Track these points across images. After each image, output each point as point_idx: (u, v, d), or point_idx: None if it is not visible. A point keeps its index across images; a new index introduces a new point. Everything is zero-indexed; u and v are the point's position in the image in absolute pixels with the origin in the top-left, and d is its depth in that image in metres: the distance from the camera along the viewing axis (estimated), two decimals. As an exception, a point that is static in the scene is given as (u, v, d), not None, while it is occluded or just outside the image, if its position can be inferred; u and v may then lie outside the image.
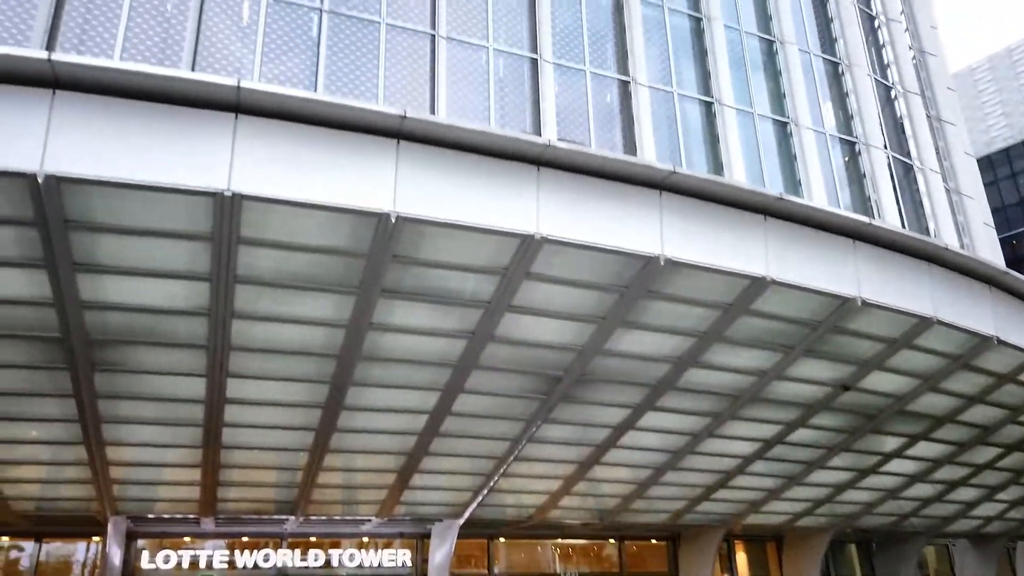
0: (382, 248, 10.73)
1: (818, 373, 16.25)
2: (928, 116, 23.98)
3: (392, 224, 10.30)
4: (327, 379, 13.89)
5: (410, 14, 18.01)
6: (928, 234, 21.61)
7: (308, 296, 11.86)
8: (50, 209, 9.31)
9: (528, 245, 11.06)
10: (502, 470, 18.30)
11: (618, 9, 19.88)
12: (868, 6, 23.74)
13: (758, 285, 12.60)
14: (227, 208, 9.75)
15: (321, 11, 17.03)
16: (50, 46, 13.37)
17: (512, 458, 17.77)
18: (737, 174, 18.86)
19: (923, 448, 20.54)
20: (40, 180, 8.83)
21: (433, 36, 18.07)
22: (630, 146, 18.96)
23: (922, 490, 23.68)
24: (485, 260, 11.52)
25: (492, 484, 19.14)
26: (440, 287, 12.06)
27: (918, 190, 22.56)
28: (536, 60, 18.88)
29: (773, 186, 19.46)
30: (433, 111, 17.41)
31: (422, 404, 15.29)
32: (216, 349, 12.53)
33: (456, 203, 10.71)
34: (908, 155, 22.95)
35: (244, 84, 9.61)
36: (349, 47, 17.34)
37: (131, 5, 14.93)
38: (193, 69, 14.73)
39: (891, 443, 20.08)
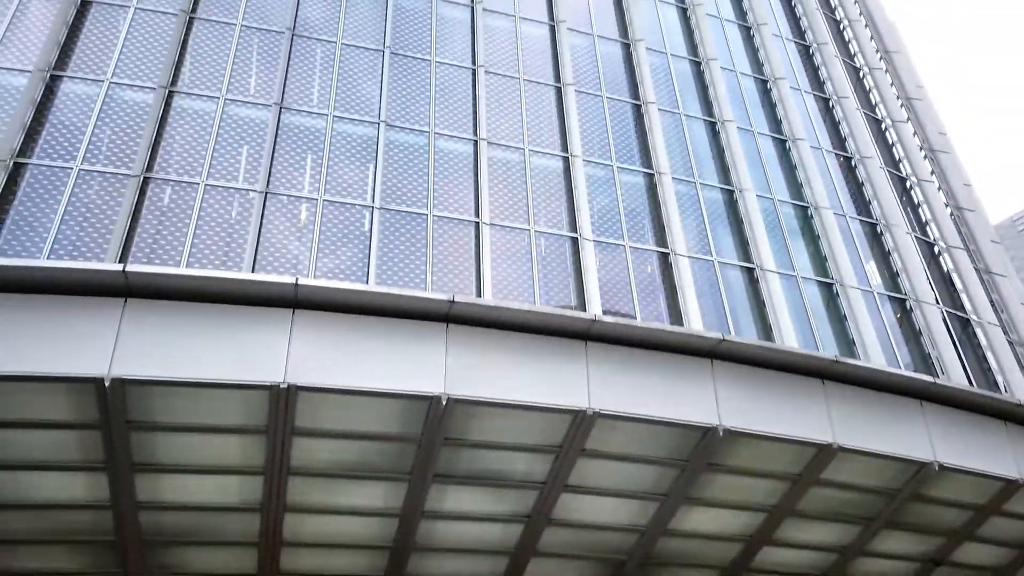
0: (434, 431, 10.68)
1: (904, 547, 15.04)
2: (976, 269, 23.82)
3: (443, 406, 10.31)
4: (380, 573, 13.34)
5: (455, 205, 19.17)
6: (998, 389, 20.75)
7: (361, 485, 11.70)
8: (114, 411, 9.60)
9: (581, 421, 10.89)
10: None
11: (651, 188, 20.91)
12: (897, 169, 24.49)
13: (825, 453, 12.04)
14: (282, 400, 9.94)
15: (372, 208, 18.28)
16: (123, 258, 14.47)
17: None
18: (788, 338, 18.70)
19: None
20: (107, 384, 9.20)
21: (477, 223, 19.08)
22: (676, 315, 19.09)
23: None
24: (538, 438, 11.33)
25: None
26: (493, 469, 11.81)
27: (979, 344, 21.93)
28: (576, 238, 19.66)
29: (827, 348, 19.17)
30: (479, 292, 17.98)
31: (480, 597, 14.48)
32: (267, 545, 12.25)
33: (506, 382, 10.74)
34: (963, 309, 22.57)
35: (301, 281, 10.15)
36: (398, 238, 18.37)
37: (199, 215, 16.23)
38: (253, 269, 15.67)
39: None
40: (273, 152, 16.32)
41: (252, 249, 15.23)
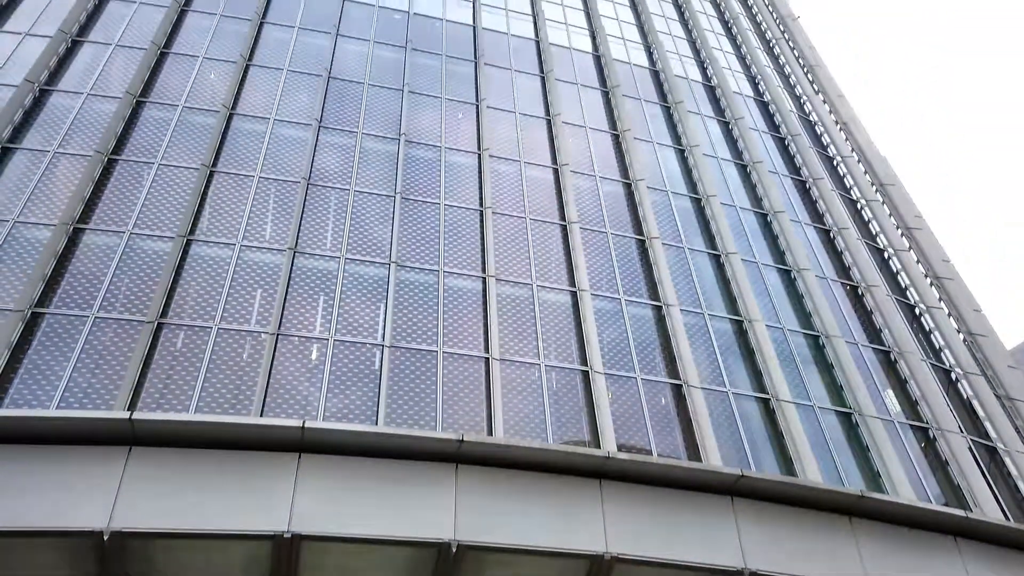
0: (444, 581, 10.18)
1: None
2: (997, 396, 23.38)
3: (452, 553, 9.88)
4: None
5: (465, 341, 19.25)
6: (1036, 521, 19.71)
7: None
8: (113, 564, 9.25)
9: (599, 566, 10.37)
10: None
11: (660, 320, 21.03)
12: (905, 296, 24.62)
13: (860, 596, 11.33)
14: (286, 549, 9.57)
15: (383, 347, 18.39)
16: (132, 404, 14.46)
17: None
18: (810, 471, 18.09)
19: None
20: (106, 537, 8.91)
21: (487, 359, 19.09)
22: (692, 448, 18.61)
23: None
24: (554, 587, 10.74)
25: None
26: (508, 621, 11.13)
27: (1010, 474, 21.13)
28: (587, 372, 19.57)
29: (851, 482, 18.48)
30: (490, 430, 17.68)
31: None
32: None
33: (519, 525, 10.33)
34: (988, 437, 21.94)
35: (308, 424, 10.02)
36: (408, 376, 18.34)
37: (211, 359, 16.36)
38: (263, 412, 15.57)
39: None
40: (286, 295, 16.63)
41: (262, 392, 15.18)
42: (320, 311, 17.18)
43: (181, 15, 23.32)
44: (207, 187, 18.35)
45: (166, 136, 19.26)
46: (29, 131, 18.49)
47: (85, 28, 22.03)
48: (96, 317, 14.70)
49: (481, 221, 20.08)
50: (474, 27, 26.73)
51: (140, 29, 22.36)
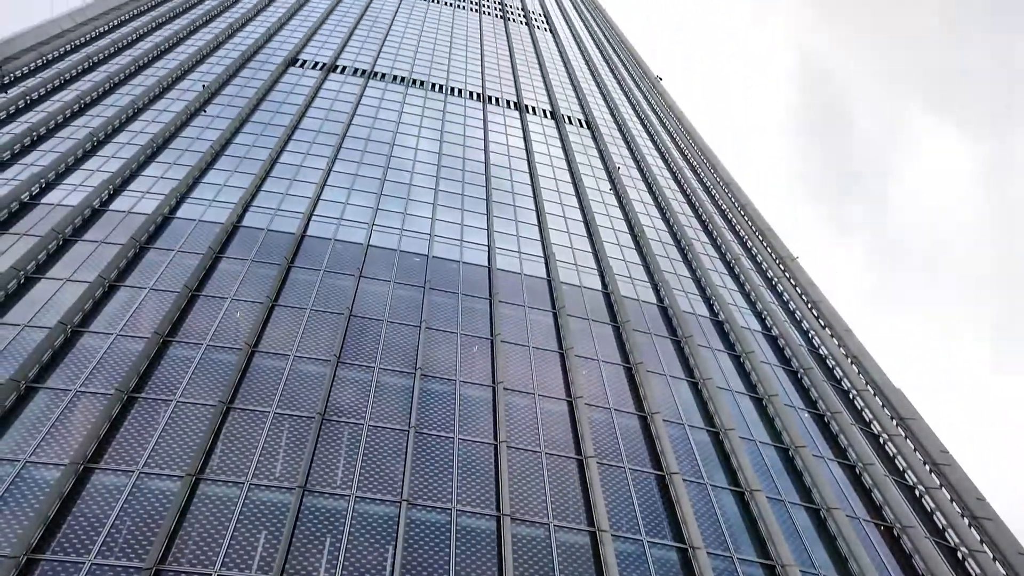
0: None
1: None
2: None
3: None
4: None
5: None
6: None
7: None
8: None
9: None
10: None
11: (686, 563, 19.79)
12: (943, 538, 23.22)
13: None
14: None
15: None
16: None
17: None
18: None
19: None
20: None
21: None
22: None
23: None
24: None
25: None
26: None
27: None
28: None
29: None
30: None
31: None
32: None
33: None
34: None
35: None
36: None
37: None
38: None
39: None
40: (291, 537, 15.91)
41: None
42: (326, 555, 16.32)
43: (215, 261, 24.87)
44: (222, 424, 18.34)
45: (187, 373, 19.64)
46: (55, 370, 18.95)
47: (123, 273, 23.42)
48: (92, 563, 13.99)
49: (495, 456, 19.71)
50: (489, 268, 28.22)
51: (175, 274, 23.75)
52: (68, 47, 43.61)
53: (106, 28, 48.34)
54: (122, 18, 50.87)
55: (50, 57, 41.63)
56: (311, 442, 18.16)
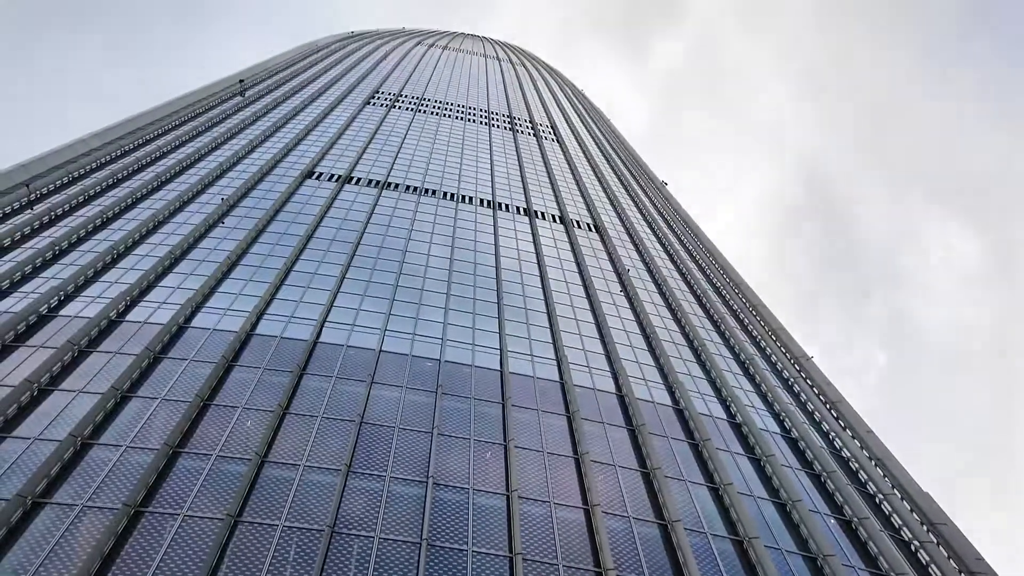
0: None
1: None
2: None
3: None
4: None
5: None
6: None
7: None
8: None
9: None
10: None
11: None
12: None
13: None
14: None
15: None
16: None
17: None
18: None
19: None
20: None
21: None
22: None
23: None
24: None
25: None
26: None
27: None
28: None
29: None
30: None
31: None
32: None
33: None
34: None
35: None
36: None
37: None
38: None
39: None
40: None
41: None
42: None
43: (228, 369, 24.90)
44: (229, 538, 17.83)
45: (196, 485, 19.28)
46: (63, 485, 18.66)
47: (136, 384, 23.44)
48: None
49: (511, 569, 18.94)
50: (501, 372, 28.07)
51: (187, 383, 23.74)
52: (94, 164, 45.42)
53: (131, 146, 50.49)
54: (147, 137, 53.20)
55: (76, 174, 43.29)
56: (320, 558, 17.56)
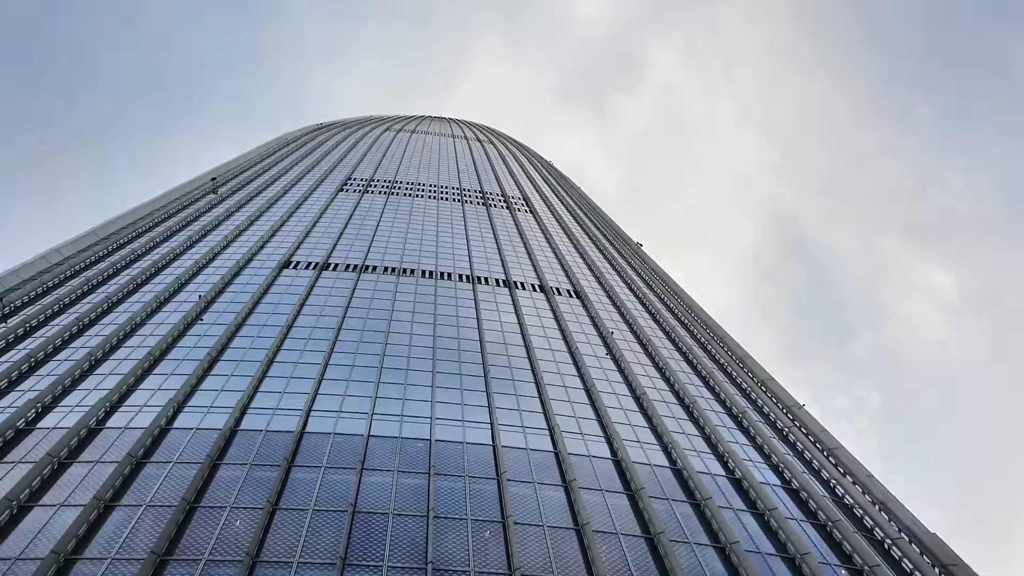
0: None
1: None
2: None
3: None
4: None
5: None
6: None
7: None
8: None
9: None
10: None
11: None
12: None
13: None
14: None
15: None
16: None
17: None
18: None
19: None
20: None
21: None
22: None
23: None
24: None
25: None
26: None
27: None
28: None
29: None
30: None
31: None
32: None
33: None
34: None
35: None
36: None
37: None
38: None
39: None
40: None
41: None
42: None
43: (213, 469, 24.24)
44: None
45: (185, 595, 18.47)
46: (44, 605, 17.77)
47: (119, 492, 22.71)
48: None
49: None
50: (493, 446, 27.59)
51: (172, 487, 23.02)
52: (68, 272, 45.20)
53: (105, 252, 50.41)
54: (120, 241, 53.22)
55: (50, 284, 43.00)
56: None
